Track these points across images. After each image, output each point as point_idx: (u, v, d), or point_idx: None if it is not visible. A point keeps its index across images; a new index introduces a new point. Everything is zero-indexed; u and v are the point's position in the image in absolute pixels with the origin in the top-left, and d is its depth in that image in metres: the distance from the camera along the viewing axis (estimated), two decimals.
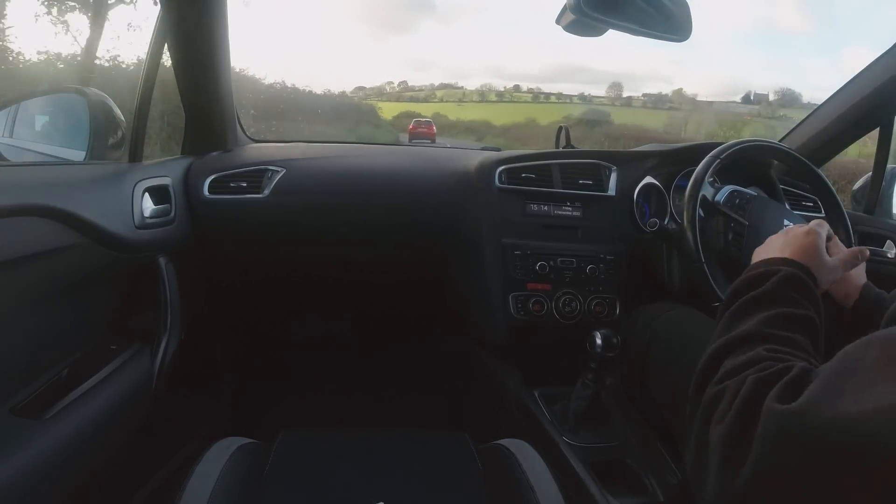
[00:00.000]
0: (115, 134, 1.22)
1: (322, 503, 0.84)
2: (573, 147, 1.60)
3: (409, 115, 23.14)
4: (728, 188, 1.17)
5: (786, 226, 1.08)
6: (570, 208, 1.37)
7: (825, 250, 0.82)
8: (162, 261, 1.18)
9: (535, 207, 1.36)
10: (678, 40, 0.97)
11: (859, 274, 0.97)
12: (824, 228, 0.84)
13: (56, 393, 0.95)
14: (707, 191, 1.12)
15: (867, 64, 1.40)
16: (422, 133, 13.31)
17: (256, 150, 1.53)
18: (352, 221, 1.40)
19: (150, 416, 1.17)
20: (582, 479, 1.02)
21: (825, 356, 0.65)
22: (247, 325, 1.70)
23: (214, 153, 1.45)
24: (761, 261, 0.78)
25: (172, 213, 1.23)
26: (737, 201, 1.14)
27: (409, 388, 1.78)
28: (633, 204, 1.37)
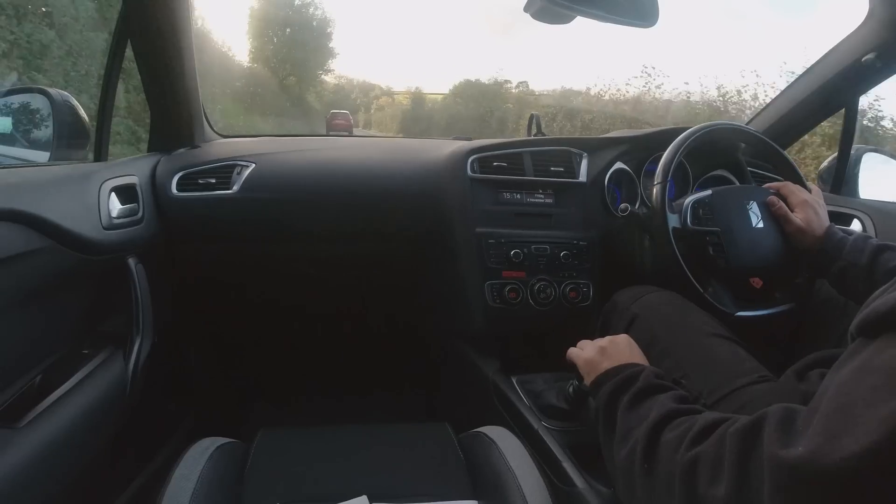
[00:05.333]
0: (79, 133, 1.20)
1: (305, 499, 0.84)
2: (543, 135, 1.60)
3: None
4: (688, 202, 1.13)
5: (747, 205, 1.11)
6: (542, 195, 1.38)
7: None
8: (132, 262, 1.16)
9: (507, 195, 1.36)
10: (646, 26, 0.97)
11: (818, 222, 1.05)
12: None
13: (30, 400, 0.93)
14: (673, 221, 1.11)
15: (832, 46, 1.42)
16: (339, 125, 13.10)
17: (225, 146, 1.50)
18: (324, 216, 1.39)
19: (125, 419, 1.16)
20: (562, 463, 1.03)
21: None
22: (221, 325, 1.68)
23: (181, 150, 1.42)
24: (612, 368, 0.82)
25: (141, 213, 1.21)
26: (700, 212, 1.12)
27: (388, 381, 1.78)
28: (604, 190, 1.39)
